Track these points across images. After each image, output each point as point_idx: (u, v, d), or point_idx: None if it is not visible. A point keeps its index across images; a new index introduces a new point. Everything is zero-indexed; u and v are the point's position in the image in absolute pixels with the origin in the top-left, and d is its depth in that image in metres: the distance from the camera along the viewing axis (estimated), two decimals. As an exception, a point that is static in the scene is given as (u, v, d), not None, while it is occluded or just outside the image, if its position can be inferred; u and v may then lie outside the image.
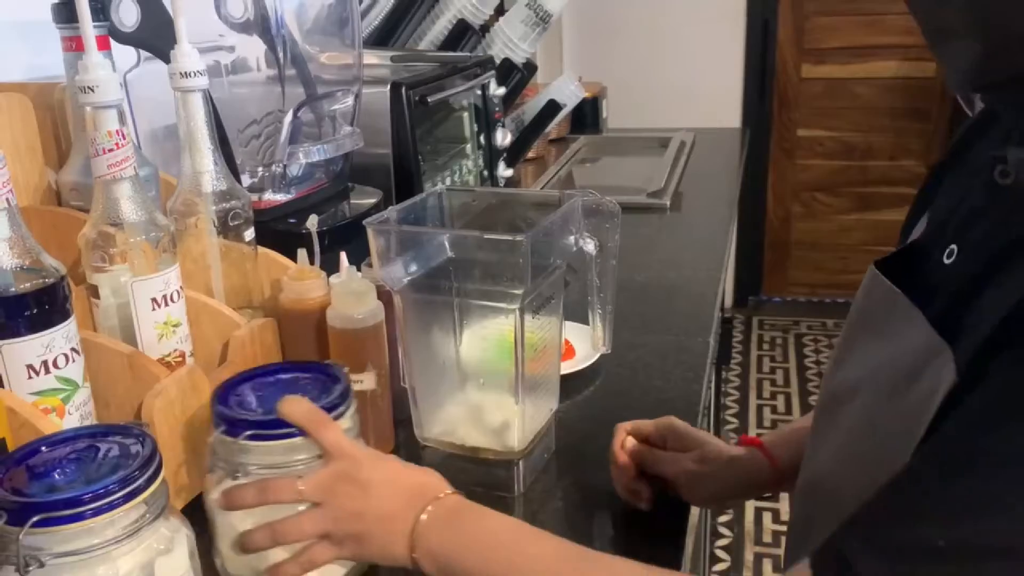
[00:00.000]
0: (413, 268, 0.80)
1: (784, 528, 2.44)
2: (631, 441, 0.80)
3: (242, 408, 0.67)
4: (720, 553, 2.35)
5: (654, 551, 0.72)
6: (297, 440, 0.64)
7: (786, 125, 3.69)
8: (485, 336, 0.81)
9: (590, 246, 0.83)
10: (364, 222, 0.79)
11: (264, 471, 0.64)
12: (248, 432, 0.64)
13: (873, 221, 3.67)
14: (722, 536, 2.42)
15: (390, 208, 0.83)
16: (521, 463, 0.81)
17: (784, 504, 2.54)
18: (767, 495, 0.81)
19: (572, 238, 0.83)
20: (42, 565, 0.52)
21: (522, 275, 0.74)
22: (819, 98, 3.63)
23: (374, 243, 0.79)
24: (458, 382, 0.84)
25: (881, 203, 3.65)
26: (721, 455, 0.78)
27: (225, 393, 0.69)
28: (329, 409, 0.66)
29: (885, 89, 3.55)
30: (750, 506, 2.55)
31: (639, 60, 3.57)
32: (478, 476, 0.81)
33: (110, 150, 0.73)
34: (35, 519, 0.51)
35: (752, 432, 2.96)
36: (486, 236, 0.75)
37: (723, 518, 2.49)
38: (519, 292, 0.75)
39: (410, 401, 0.84)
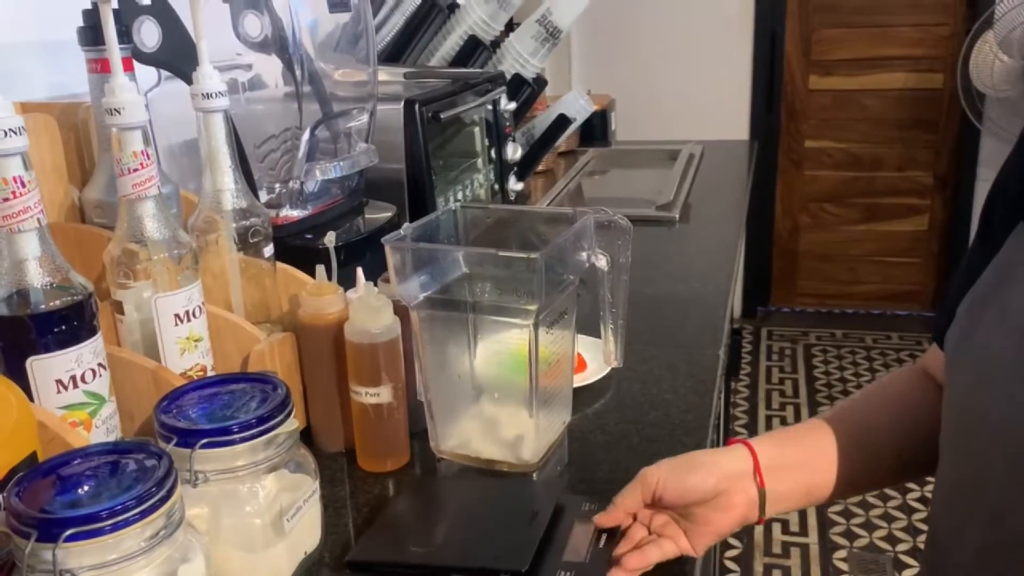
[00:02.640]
0: (429, 284, 0.82)
1: (794, 539, 2.45)
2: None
3: (188, 419, 0.67)
4: (730, 564, 2.36)
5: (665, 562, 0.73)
6: (238, 448, 0.65)
7: (794, 136, 3.70)
8: (500, 350, 0.82)
9: (602, 262, 0.85)
10: (382, 240, 0.81)
11: (223, 476, 0.65)
12: (204, 441, 0.64)
13: (881, 232, 3.68)
14: (732, 547, 2.42)
15: (405, 225, 0.85)
16: (535, 476, 0.82)
17: (793, 515, 2.55)
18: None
19: (584, 254, 0.85)
20: (75, 578, 0.53)
21: (536, 291, 0.76)
22: (827, 109, 3.64)
23: (391, 260, 0.81)
24: (473, 396, 0.86)
25: (889, 214, 3.66)
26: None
27: (168, 407, 0.69)
28: (266, 419, 0.66)
29: (893, 100, 3.57)
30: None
31: (647, 73, 3.59)
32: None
33: (135, 170, 0.76)
34: (68, 533, 0.53)
35: (761, 443, 2.95)
36: (501, 254, 0.77)
37: None
38: (533, 307, 0.77)
39: (426, 415, 0.86)
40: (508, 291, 0.78)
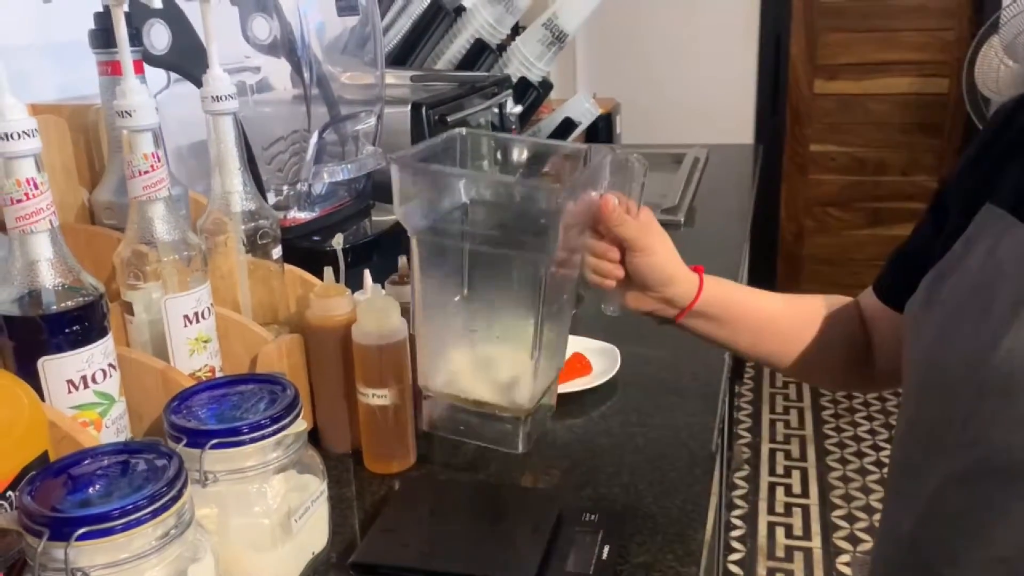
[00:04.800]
0: (430, 211, 0.77)
1: (797, 543, 2.44)
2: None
3: (197, 420, 0.68)
4: (733, 568, 2.36)
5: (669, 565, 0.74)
6: (247, 448, 0.66)
7: (799, 140, 3.70)
8: (505, 286, 0.79)
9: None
10: (390, 157, 0.76)
11: (232, 476, 0.66)
12: (213, 441, 0.65)
13: (886, 236, 3.67)
14: (735, 551, 2.42)
15: (408, 149, 0.80)
16: (530, 420, 0.80)
17: (797, 519, 2.55)
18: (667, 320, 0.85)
19: (596, 194, 0.80)
20: (86, 577, 0.54)
21: (553, 225, 0.72)
22: (832, 114, 3.64)
23: (397, 180, 0.75)
24: (468, 333, 0.82)
25: (894, 218, 3.66)
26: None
27: (178, 407, 0.70)
28: (275, 420, 0.67)
29: (898, 105, 3.56)
30: (763, 521, 2.56)
31: (652, 76, 3.60)
32: (480, 431, 0.81)
33: (145, 172, 0.76)
34: (79, 533, 0.53)
35: (765, 448, 2.96)
36: (522, 184, 0.75)
37: (736, 532, 2.50)
38: (547, 243, 0.73)
39: (417, 349, 0.82)
40: (519, 224, 0.74)
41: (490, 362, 0.81)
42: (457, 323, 0.82)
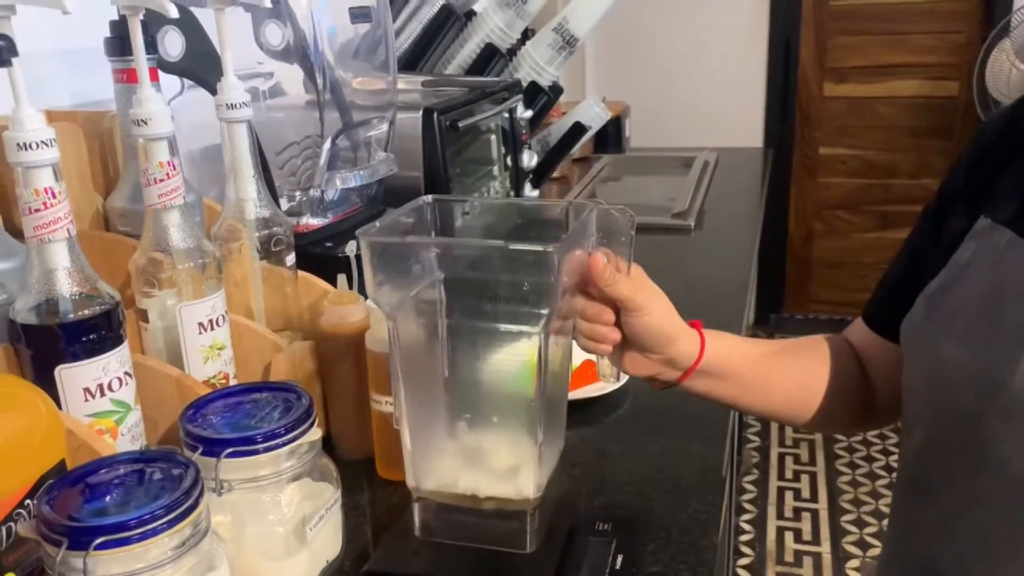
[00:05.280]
0: (408, 288, 0.70)
1: (806, 548, 2.44)
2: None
3: (212, 428, 0.68)
4: (742, 572, 2.35)
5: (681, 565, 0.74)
6: (262, 457, 0.66)
7: (808, 143, 3.70)
8: (499, 365, 0.70)
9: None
10: (357, 233, 0.68)
11: (247, 485, 0.66)
12: (229, 450, 0.65)
13: (895, 240, 3.65)
14: (744, 555, 2.42)
15: (370, 224, 0.70)
16: (537, 514, 0.71)
17: (806, 524, 2.54)
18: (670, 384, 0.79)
19: (583, 250, 0.72)
20: (105, 585, 0.54)
21: (548, 292, 0.64)
22: (841, 117, 3.63)
23: (369, 258, 0.68)
24: (460, 421, 0.73)
25: (903, 222, 3.64)
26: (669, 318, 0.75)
27: (193, 416, 0.70)
28: (290, 429, 0.67)
29: (907, 108, 3.56)
30: (772, 526, 2.55)
31: (661, 79, 3.59)
32: (483, 532, 0.72)
33: (161, 180, 0.76)
34: (97, 542, 0.54)
35: (774, 452, 2.96)
36: (512, 247, 0.64)
37: (744, 537, 2.49)
38: (543, 312, 0.65)
39: (403, 447, 0.72)
40: (508, 295, 0.67)
41: (487, 451, 0.72)
42: (447, 410, 0.73)
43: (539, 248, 0.63)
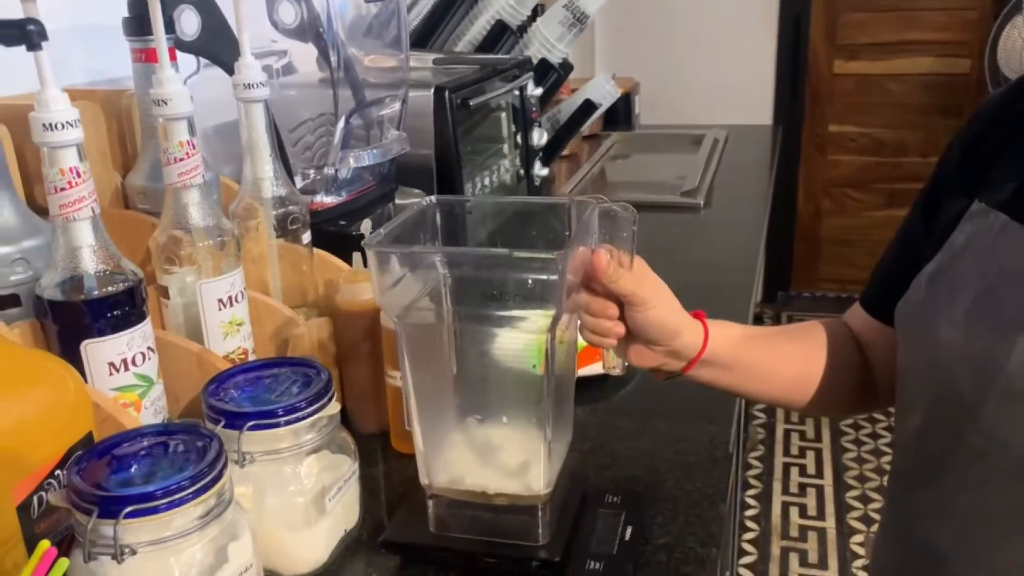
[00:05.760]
0: (414, 292, 0.70)
1: (811, 523, 2.47)
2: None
3: (234, 402, 0.70)
4: (747, 547, 2.38)
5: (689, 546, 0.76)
6: (283, 430, 0.68)
7: (818, 121, 3.69)
8: (506, 365, 0.72)
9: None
10: (363, 244, 0.68)
11: (268, 457, 0.68)
12: (251, 423, 0.67)
13: (902, 218, 3.65)
14: (749, 530, 2.44)
15: (379, 231, 0.69)
16: (548, 508, 0.72)
17: (811, 499, 2.57)
18: (674, 373, 0.80)
19: (585, 249, 0.72)
20: (135, 553, 0.56)
21: (553, 295, 0.66)
22: (851, 94, 3.62)
23: (376, 267, 0.68)
24: (471, 421, 0.74)
25: (911, 200, 3.63)
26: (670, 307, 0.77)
27: (216, 390, 0.72)
28: (310, 403, 0.69)
29: (918, 85, 3.54)
30: (778, 501, 2.58)
31: (671, 57, 3.58)
32: (495, 526, 0.73)
33: (181, 159, 0.78)
34: (127, 511, 0.56)
35: (780, 428, 2.98)
36: (516, 255, 0.66)
37: (750, 512, 2.52)
38: (549, 314, 0.66)
39: (415, 446, 0.73)
40: (514, 295, 0.68)
41: (497, 449, 0.74)
42: (456, 410, 0.74)
43: (544, 255, 0.64)
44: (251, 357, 0.85)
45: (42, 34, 0.58)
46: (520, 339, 0.69)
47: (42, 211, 0.82)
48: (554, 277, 0.64)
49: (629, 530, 0.75)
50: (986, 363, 0.63)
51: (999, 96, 0.74)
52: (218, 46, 1.00)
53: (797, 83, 3.60)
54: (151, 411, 0.74)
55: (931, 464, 0.71)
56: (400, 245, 0.70)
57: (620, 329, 0.74)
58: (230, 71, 0.99)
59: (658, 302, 0.74)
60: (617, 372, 0.80)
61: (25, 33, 0.56)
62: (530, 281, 0.66)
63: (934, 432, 0.71)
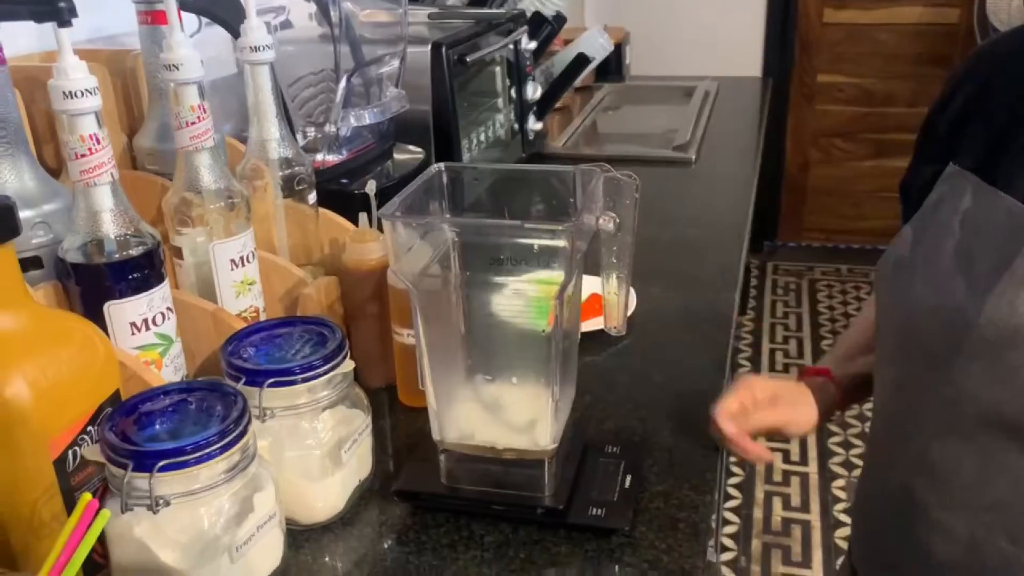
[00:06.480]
0: (428, 258, 0.73)
1: (794, 468, 2.54)
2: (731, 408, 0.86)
3: (251, 360, 0.73)
4: (732, 491, 2.46)
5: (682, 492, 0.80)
6: (300, 386, 0.71)
7: (807, 71, 3.69)
8: (516, 328, 0.74)
9: (610, 225, 0.77)
10: (380, 215, 0.71)
11: (287, 412, 0.72)
12: (270, 380, 0.70)
13: (889, 168, 3.69)
14: (734, 475, 2.52)
15: (394, 200, 0.72)
16: (555, 462, 0.76)
17: (794, 446, 2.64)
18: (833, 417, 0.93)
19: (592, 217, 0.76)
20: (168, 504, 0.59)
21: (565, 263, 0.68)
22: (840, 44, 3.62)
23: (392, 236, 0.71)
24: (481, 380, 0.77)
25: (897, 151, 3.66)
26: (803, 392, 0.90)
27: (234, 349, 0.75)
28: (328, 359, 0.73)
29: (907, 35, 3.54)
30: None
31: (660, 6, 3.56)
32: (504, 479, 0.76)
33: (192, 123, 0.80)
34: (160, 464, 0.59)
35: (764, 373, 3.04)
36: (527, 226, 0.69)
37: (734, 457, 2.59)
38: (558, 281, 0.69)
39: (428, 404, 0.76)
40: (525, 262, 0.70)
41: (506, 407, 0.77)
42: (467, 370, 0.77)
43: (554, 226, 0.69)
44: (262, 315, 0.88)
45: (72, 11, 0.59)
46: (529, 302, 0.72)
47: (53, 172, 0.84)
48: (564, 244, 0.67)
49: (628, 478, 0.79)
50: (956, 321, 0.67)
51: (974, 57, 0.78)
52: (220, 6, 1.01)
53: (787, 32, 3.59)
54: (171, 368, 0.76)
55: (907, 414, 0.76)
56: (415, 215, 0.73)
57: (767, 456, 0.87)
58: (232, 30, 1.00)
59: (799, 421, 0.89)
60: (616, 331, 0.83)
61: (56, 10, 0.58)
62: (536, 247, 0.69)
63: (910, 384, 0.75)
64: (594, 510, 0.75)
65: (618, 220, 0.76)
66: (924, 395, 0.73)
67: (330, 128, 1.12)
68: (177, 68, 0.78)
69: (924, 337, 0.71)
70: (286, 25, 1.34)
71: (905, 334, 0.74)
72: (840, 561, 2.17)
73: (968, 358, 0.67)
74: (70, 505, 0.62)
